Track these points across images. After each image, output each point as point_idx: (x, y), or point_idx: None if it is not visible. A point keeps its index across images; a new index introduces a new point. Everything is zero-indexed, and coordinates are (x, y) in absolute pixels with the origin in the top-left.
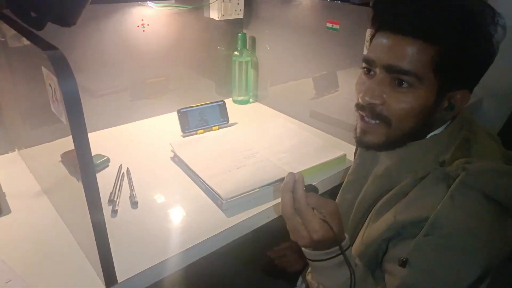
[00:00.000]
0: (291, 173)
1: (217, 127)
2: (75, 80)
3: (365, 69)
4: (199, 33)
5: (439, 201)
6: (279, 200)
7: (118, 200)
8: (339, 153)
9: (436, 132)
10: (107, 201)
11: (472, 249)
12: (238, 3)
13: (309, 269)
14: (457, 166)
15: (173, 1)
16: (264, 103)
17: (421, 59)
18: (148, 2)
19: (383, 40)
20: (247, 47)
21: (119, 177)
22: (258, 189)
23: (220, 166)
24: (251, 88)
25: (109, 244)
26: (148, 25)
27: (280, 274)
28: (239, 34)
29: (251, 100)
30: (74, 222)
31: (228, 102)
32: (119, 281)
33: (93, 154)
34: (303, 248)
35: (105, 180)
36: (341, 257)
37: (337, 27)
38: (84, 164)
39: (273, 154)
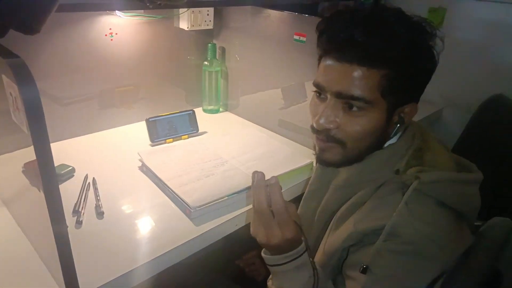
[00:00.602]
0: (257, 172)
1: (186, 136)
2: (37, 88)
3: (317, 92)
4: (169, 43)
5: (395, 209)
6: (247, 208)
7: (83, 210)
8: (306, 161)
9: (391, 141)
10: (71, 212)
11: (430, 254)
12: (207, 14)
13: (270, 275)
14: (411, 175)
15: (142, 11)
16: (234, 112)
17: (369, 84)
18: (116, 11)
19: (330, 65)
20: (217, 57)
21: (84, 187)
22: (226, 198)
23: (188, 174)
24: (221, 98)
25: (72, 255)
26: (116, 34)
27: (249, 282)
28: (209, 44)
29: (221, 109)
30: (36, 233)
31: (198, 111)
32: None
33: (57, 164)
34: (263, 254)
35: (70, 190)
36: (298, 260)
37: (304, 39)
38: (46, 174)
39: (242, 162)
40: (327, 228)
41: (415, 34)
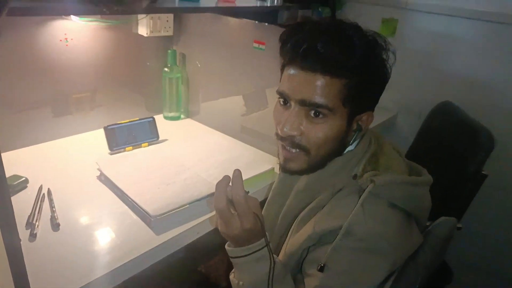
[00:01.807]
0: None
1: (146, 144)
2: None
3: (281, 100)
4: (127, 49)
5: (352, 210)
6: (209, 215)
7: (37, 223)
8: (267, 167)
9: (350, 148)
10: (24, 225)
11: (382, 251)
12: (167, 20)
13: (233, 269)
14: (366, 179)
15: (99, 16)
16: (195, 119)
17: (331, 92)
18: (71, 16)
19: (294, 74)
20: (177, 64)
21: (38, 198)
22: (187, 205)
23: (149, 183)
24: (182, 104)
25: (25, 270)
26: (72, 39)
27: None
28: (169, 51)
29: (182, 116)
30: None
31: (159, 118)
32: None
33: (9, 175)
34: (226, 247)
35: (23, 202)
36: (259, 253)
37: (263, 47)
38: None
39: (204, 170)
40: (289, 231)
41: (371, 46)
